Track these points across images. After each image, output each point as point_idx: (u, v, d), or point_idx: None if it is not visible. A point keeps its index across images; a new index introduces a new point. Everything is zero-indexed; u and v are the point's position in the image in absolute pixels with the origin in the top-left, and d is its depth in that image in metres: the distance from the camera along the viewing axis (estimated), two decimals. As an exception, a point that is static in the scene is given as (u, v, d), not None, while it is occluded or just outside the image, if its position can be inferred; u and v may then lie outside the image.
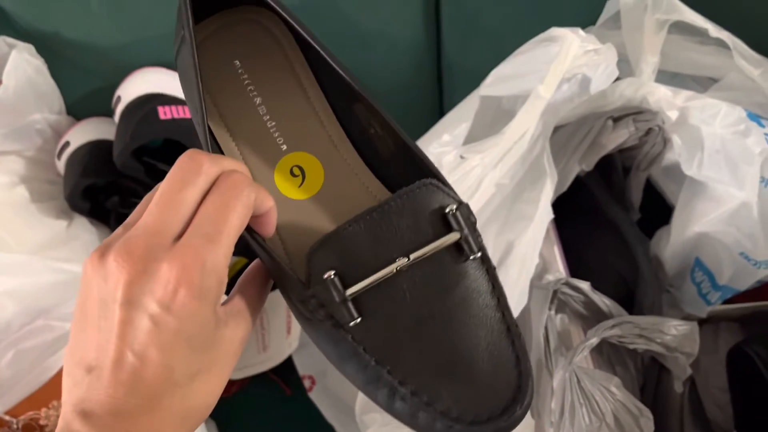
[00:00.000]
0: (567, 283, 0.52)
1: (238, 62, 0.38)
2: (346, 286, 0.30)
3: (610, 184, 0.62)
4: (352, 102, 0.37)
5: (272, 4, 0.35)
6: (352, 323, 0.30)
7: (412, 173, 0.33)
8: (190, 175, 0.28)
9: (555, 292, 0.52)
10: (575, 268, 0.58)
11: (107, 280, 0.27)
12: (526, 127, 0.45)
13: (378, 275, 0.30)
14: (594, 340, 0.48)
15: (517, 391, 0.29)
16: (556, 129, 0.55)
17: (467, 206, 0.32)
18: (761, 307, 0.62)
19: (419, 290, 0.30)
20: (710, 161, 0.51)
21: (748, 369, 0.58)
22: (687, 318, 0.60)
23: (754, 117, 0.51)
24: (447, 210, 0.31)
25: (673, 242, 0.57)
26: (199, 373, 0.28)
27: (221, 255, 0.28)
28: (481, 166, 0.47)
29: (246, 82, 0.38)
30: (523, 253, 0.51)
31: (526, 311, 0.53)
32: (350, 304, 0.30)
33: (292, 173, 0.37)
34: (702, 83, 0.57)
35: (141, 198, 0.64)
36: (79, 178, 0.63)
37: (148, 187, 0.63)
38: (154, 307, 0.27)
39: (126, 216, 0.66)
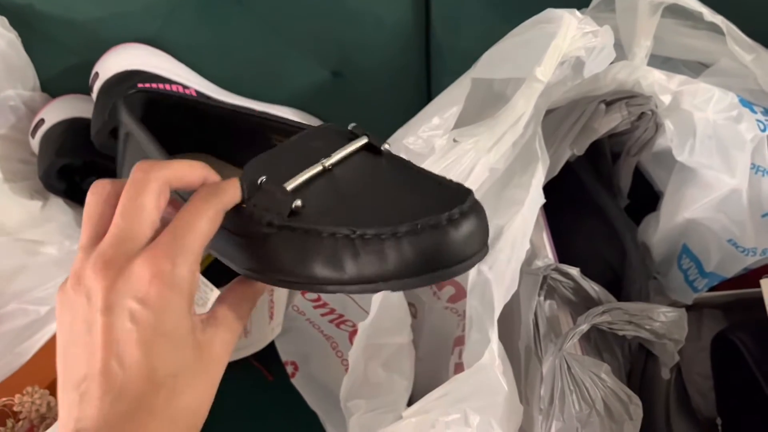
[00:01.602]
0: (556, 269, 0.52)
1: None
2: (281, 184, 0.33)
3: (597, 169, 0.62)
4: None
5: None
6: (293, 206, 0.32)
7: None
8: (141, 183, 0.30)
9: (545, 278, 0.51)
10: (563, 254, 0.58)
11: (89, 296, 0.29)
12: (522, 111, 0.45)
13: (308, 171, 0.34)
14: (584, 327, 0.48)
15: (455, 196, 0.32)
16: (547, 113, 0.54)
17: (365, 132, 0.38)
18: (745, 295, 0.62)
19: (349, 178, 0.34)
20: (702, 147, 0.50)
21: (732, 356, 0.59)
22: (673, 305, 0.60)
23: (746, 103, 0.51)
24: (349, 127, 0.38)
25: (662, 229, 0.57)
26: (182, 373, 0.29)
27: (191, 252, 0.30)
28: (474, 150, 0.46)
29: None
30: (513, 238, 0.50)
31: (514, 297, 0.53)
32: (289, 194, 0.33)
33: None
34: (693, 68, 0.56)
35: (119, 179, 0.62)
36: (55, 157, 0.60)
37: (127, 167, 0.61)
38: (132, 304, 0.28)
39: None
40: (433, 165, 0.48)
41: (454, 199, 0.32)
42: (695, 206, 0.54)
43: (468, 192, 0.33)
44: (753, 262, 0.55)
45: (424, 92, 0.67)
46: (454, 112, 0.53)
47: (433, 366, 0.60)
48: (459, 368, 0.57)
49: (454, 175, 0.47)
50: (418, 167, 0.36)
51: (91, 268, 0.29)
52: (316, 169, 0.34)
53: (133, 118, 0.42)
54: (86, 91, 0.63)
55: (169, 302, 0.29)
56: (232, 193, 0.32)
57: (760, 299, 0.55)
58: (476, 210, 0.32)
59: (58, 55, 0.64)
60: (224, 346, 0.32)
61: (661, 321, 0.50)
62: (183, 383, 0.29)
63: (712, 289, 0.61)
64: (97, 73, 0.61)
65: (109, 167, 0.62)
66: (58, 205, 0.62)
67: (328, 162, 0.35)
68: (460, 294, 0.58)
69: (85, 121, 0.62)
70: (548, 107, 0.52)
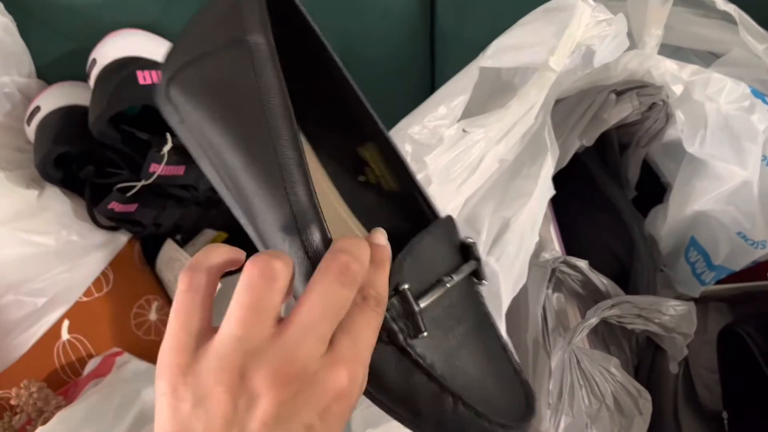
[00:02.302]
0: (565, 262, 0.51)
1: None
2: (416, 299, 0.30)
3: (605, 161, 0.61)
4: (348, 150, 0.37)
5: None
6: (420, 336, 0.30)
7: (413, 214, 0.36)
8: (347, 290, 0.28)
9: (553, 271, 0.50)
10: (569, 247, 0.57)
11: (252, 402, 0.26)
12: (533, 101, 0.43)
13: (439, 291, 0.31)
14: (594, 320, 0.47)
15: (527, 400, 0.33)
16: (556, 103, 0.53)
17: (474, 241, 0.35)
18: (752, 288, 0.62)
19: (454, 311, 0.32)
20: (713, 138, 0.49)
21: (739, 349, 0.58)
22: (679, 298, 0.60)
23: (758, 93, 0.50)
24: (467, 241, 0.34)
25: (670, 221, 0.56)
26: None
27: (367, 367, 0.28)
28: (484, 140, 0.45)
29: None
30: (521, 230, 0.50)
31: (522, 290, 0.52)
32: (420, 315, 0.30)
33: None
34: (704, 58, 0.55)
35: (118, 168, 0.61)
36: (51, 145, 0.59)
37: (125, 156, 0.60)
38: (310, 419, 0.26)
39: (101, 186, 0.63)
40: (441, 155, 0.48)
41: (528, 403, 0.33)
42: (705, 198, 0.53)
43: (533, 397, 0.33)
44: (761, 255, 0.55)
45: (429, 81, 0.66)
46: (462, 101, 0.52)
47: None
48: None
49: (463, 166, 0.46)
50: (497, 329, 0.35)
51: (267, 375, 0.26)
52: (441, 289, 0.32)
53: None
54: (83, 77, 0.62)
55: (346, 417, 0.27)
56: (384, 307, 0.30)
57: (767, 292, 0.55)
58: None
59: (55, 41, 0.63)
60: None
61: (670, 315, 0.49)
62: None
63: (718, 282, 0.60)
64: (94, 60, 0.60)
65: (107, 156, 0.61)
66: (55, 195, 0.61)
67: (451, 282, 0.32)
68: (465, 286, 0.58)
69: (83, 109, 0.61)
70: (557, 97, 0.51)
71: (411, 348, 0.30)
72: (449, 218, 0.35)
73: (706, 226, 0.55)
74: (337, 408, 0.27)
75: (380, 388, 0.31)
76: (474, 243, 0.34)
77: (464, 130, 0.45)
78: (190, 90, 0.31)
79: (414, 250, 0.31)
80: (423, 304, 0.30)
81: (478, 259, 0.34)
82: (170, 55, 0.32)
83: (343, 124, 0.36)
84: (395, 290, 0.30)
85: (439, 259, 0.32)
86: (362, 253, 0.29)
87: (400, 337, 0.30)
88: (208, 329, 0.28)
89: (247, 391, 0.26)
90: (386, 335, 0.30)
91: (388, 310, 0.29)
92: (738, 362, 0.60)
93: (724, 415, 0.58)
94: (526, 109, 0.44)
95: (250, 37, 0.30)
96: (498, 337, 0.34)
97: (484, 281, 0.35)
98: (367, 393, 0.31)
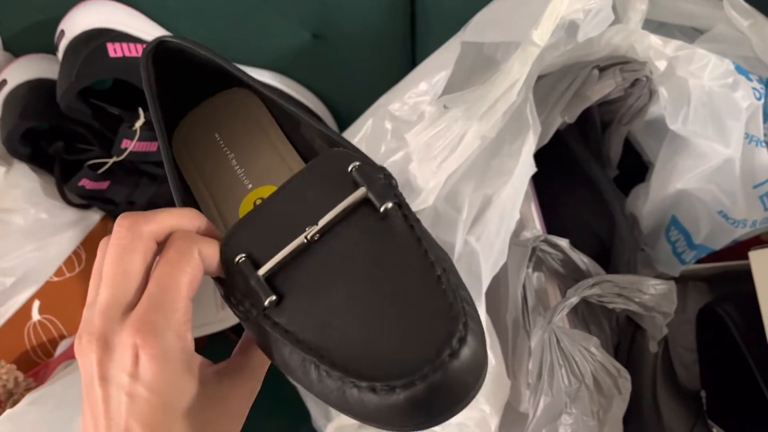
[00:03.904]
0: (546, 240, 0.50)
1: (216, 134, 0.41)
2: (258, 268, 0.29)
3: (586, 139, 0.60)
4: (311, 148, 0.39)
5: (249, 82, 0.37)
6: (266, 302, 0.28)
7: None
8: (126, 242, 0.28)
9: (533, 250, 0.50)
10: (550, 225, 0.56)
11: (84, 360, 0.28)
12: (516, 76, 0.42)
13: (287, 249, 0.29)
14: (574, 299, 0.47)
15: (449, 334, 0.26)
16: (538, 79, 0.52)
17: (380, 166, 0.31)
18: (731, 267, 0.62)
19: (335, 255, 0.29)
20: (696, 115, 0.49)
21: (718, 328, 0.58)
22: (659, 277, 0.60)
23: (741, 70, 0.49)
24: (349, 168, 0.30)
25: (651, 199, 0.55)
26: None
27: (175, 316, 0.28)
28: (465, 117, 0.44)
29: (221, 144, 0.41)
30: (502, 208, 0.49)
31: (502, 269, 0.51)
32: (263, 285, 0.28)
33: (255, 204, 0.37)
34: (688, 34, 0.54)
35: (88, 144, 0.59)
36: (18, 120, 0.57)
37: (96, 131, 0.58)
38: (124, 379, 0.27)
39: (71, 163, 0.61)
40: (421, 133, 0.46)
41: (449, 333, 0.26)
42: (687, 176, 0.52)
43: (464, 322, 0.27)
44: (741, 234, 0.55)
45: (409, 56, 0.64)
46: (443, 77, 0.51)
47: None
48: (443, 341, 0.56)
49: (444, 143, 0.45)
50: (420, 243, 0.29)
51: (84, 334, 0.28)
52: (296, 243, 0.29)
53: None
54: (51, 50, 0.60)
55: (161, 375, 0.27)
56: (211, 248, 0.29)
57: (747, 271, 0.54)
58: (472, 344, 0.26)
59: (21, 12, 0.61)
60: (244, 401, 0.30)
61: (651, 294, 0.49)
62: None
63: (697, 262, 0.60)
64: (62, 31, 0.58)
65: (77, 132, 0.60)
66: (22, 171, 0.59)
67: (312, 232, 0.29)
68: (445, 266, 0.57)
69: (51, 82, 0.59)
70: (539, 73, 0.50)
71: (268, 319, 0.28)
72: (328, 153, 0.31)
73: (687, 205, 0.55)
74: (143, 362, 0.27)
75: (277, 364, 0.30)
76: (360, 166, 0.30)
77: (445, 107, 0.44)
78: None
79: (257, 212, 0.30)
80: (263, 270, 0.29)
81: (368, 183, 0.29)
82: None
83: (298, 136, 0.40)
84: (235, 264, 0.29)
85: (302, 208, 0.30)
86: (132, 220, 0.29)
87: (253, 313, 0.29)
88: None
89: (82, 354, 0.28)
90: (243, 313, 0.29)
91: (231, 286, 0.29)
92: (717, 341, 0.60)
93: (702, 393, 0.58)
94: (509, 84, 0.43)
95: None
96: (427, 266, 0.28)
97: (387, 205, 0.29)
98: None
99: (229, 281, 0.29)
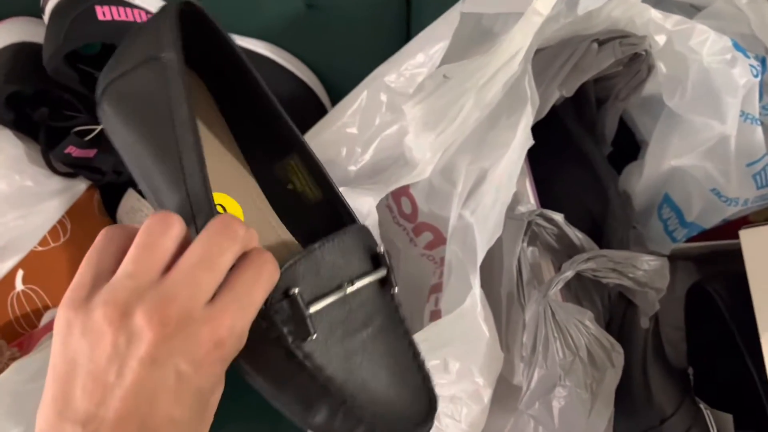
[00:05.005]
0: (541, 215, 0.50)
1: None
2: (307, 304, 0.32)
3: (580, 115, 0.60)
4: (277, 160, 0.41)
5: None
6: (308, 338, 0.32)
7: (332, 220, 0.38)
8: (228, 242, 0.29)
9: (529, 224, 0.50)
10: (543, 201, 0.56)
11: (131, 338, 0.27)
12: (518, 47, 0.42)
13: (335, 296, 0.33)
14: (569, 273, 0.47)
15: (428, 411, 0.35)
16: (536, 53, 0.51)
17: (387, 250, 0.37)
18: (721, 246, 0.62)
19: (355, 315, 0.34)
20: (693, 91, 0.49)
21: (707, 307, 0.59)
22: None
23: (739, 47, 0.49)
24: (377, 250, 0.36)
25: (645, 177, 0.55)
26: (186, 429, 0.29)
27: (248, 324, 0.30)
28: (465, 87, 0.43)
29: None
30: (498, 181, 0.48)
31: (496, 243, 0.51)
32: (309, 320, 0.32)
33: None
34: (685, 11, 0.54)
35: (75, 110, 0.58)
36: (2, 84, 0.55)
37: (83, 98, 0.57)
38: (183, 365, 0.27)
39: (58, 129, 0.59)
40: (419, 104, 0.46)
41: (428, 414, 0.35)
42: (681, 154, 0.52)
43: (433, 413, 0.35)
44: (733, 212, 0.55)
45: (404, 27, 0.64)
46: (441, 48, 0.50)
47: (406, 314, 0.59)
48: (435, 316, 0.56)
49: (441, 115, 0.45)
50: (407, 323, 0.37)
51: (146, 313, 0.27)
52: (338, 294, 0.34)
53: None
54: (37, 13, 0.58)
55: (219, 371, 0.29)
56: (275, 274, 0.32)
57: (736, 250, 0.55)
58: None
59: (5, -27, 0.59)
60: (216, 405, 0.31)
61: (644, 269, 0.49)
62: None
63: (687, 241, 0.60)
64: (49, -7, 0.56)
65: (63, 97, 0.58)
66: (6, 137, 0.57)
67: (350, 289, 0.34)
68: (438, 240, 0.57)
69: (37, 46, 0.57)
70: (538, 46, 0.50)
71: (299, 350, 0.32)
72: (362, 227, 0.37)
73: (680, 183, 0.55)
74: (210, 358, 0.28)
75: (267, 382, 0.33)
76: (385, 252, 0.36)
77: (445, 76, 0.44)
78: (115, 101, 0.36)
79: (312, 256, 0.34)
80: (314, 308, 0.32)
81: (389, 268, 0.36)
82: (105, 71, 0.37)
83: (269, 139, 0.40)
84: (285, 294, 0.32)
85: (341, 265, 0.34)
86: (243, 223, 0.31)
87: (289, 339, 0.32)
88: (113, 272, 0.29)
89: (128, 328, 0.27)
90: (275, 336, 0.32)
91: (277, 313, 0.32)
92: (705, 319, 0.61)
93: (690, 371, 0.59)
94: (510, 55, 0.43)
95: (164, 54, 0.34)
96: (410, 343, 0.36)
97: (394, 289, 0.37)
98: (253, 383, 0.33)
99: (275, 307, 0.32)
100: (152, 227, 0.29)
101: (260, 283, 0.30)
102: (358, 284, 0.34)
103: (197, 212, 0.32)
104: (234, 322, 0.28)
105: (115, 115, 0.36)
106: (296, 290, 0.32)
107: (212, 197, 0.33)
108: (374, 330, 0.35)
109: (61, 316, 0.29)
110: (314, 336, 0.32)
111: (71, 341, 0.28)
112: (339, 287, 0.34)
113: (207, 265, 0.29)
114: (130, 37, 0.37)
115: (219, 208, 0.39)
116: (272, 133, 0.39)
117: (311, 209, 0.41)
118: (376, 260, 0.36)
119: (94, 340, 0.27)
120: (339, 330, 0.33)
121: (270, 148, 0.41)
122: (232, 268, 0.30)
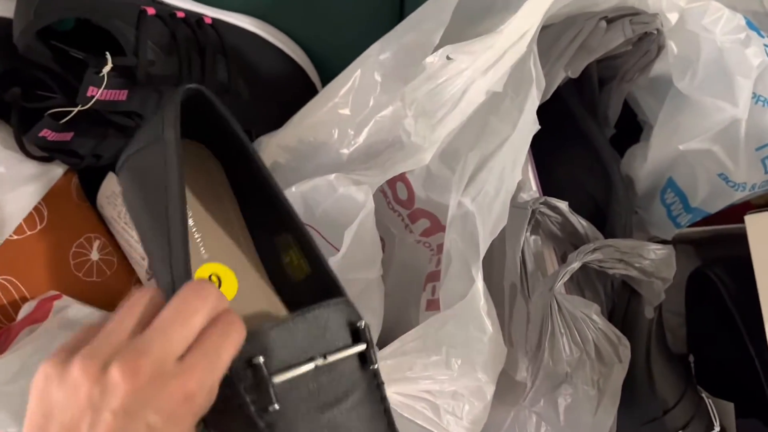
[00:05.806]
0: (545, 203, 0.48)
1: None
2: (271, 374, 0.33)
3: (582, 96, 0.57)
4: (276, 234, 0.42)
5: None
6: (270, 408, 0.32)
7: (322, 294, 0.37)
8: (199, 302, 0.31)
9: (533, 212, 0.47)
10: (544, 185, 0.54)
11: (105, 390, 0.28)
12: (527, 27, 0.39)
13: (302, 369, 0.33)
14: (576, 265, 0.45)
15: None
16: (541, 31, 0.49)
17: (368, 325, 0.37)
18: (723, 231, 0.61)
19: (328, 390, 0.34)
20: (705, 72, 0.47)
21: (708, 292, 0.58)
22: (651, 240, 0.58)
23: (753, 26, 0.47)
24: (358, 324, 0.36)
25: (651, 160, 0.54)
26: None
27: (218, 380, 0.31)
28: (470, 69, 0.40)
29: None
30: (501, 168, 0.46)
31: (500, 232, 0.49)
32: (272, 389, 0.32)
33: (209, 279, 0.40)
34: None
35: (49, 90, 0.54)
36: (-30, 63, 0.52)
37: (58, 77, 0.53)
38: (154, 418, 0.28)
39: (31, 111, 0.56)
40: (422, 86, 0.43)
41: None
42: (689, 136, 0.50)
43: None
44: (740, 197, 0.53)
45: (397, 9, 0.61)
46: (440, 25, 0.47)
47: (400, 302, 0.57)
48: (432, 305, 0.54)
49: (446, 98, 0.42)
50: (387, 400, 0.37)
51: (121, 366, 0.28)
52: (308, 367, 0.34)
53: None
54: (5, -14, 0.54)
55: (189, 425, 0.30)
56: (242, 334, 0.32)
57: (737, 235, 0.53)
58: None
59: (-30, -59, 0.54)
60: None
61: (651, 259, 0.48)
62: None
63: (690, 226, 0.59)
64: (18, -35, 0.52)
65: (36, 77, 0.54)
66: (-24, 120, 0.54)
67: (322, 363, 0.34)
68: (435, 227, 0.54)
69: (6, 21, 0.53)
70: (543, 24, 0.47)
71: (261, 419, 0.32)
72: (345, 300, 0.37)
73: (686, 167, 0.53)
74: (180, 411, 0.29)
75: None
76: (365, 327, 0.36)
77: (448, 57, 0.41)
78: (129, 176, 0.39)
79: (285, 326, 0.34)
80: (279, 378, 0.32)
81: (368, 343, 0.36)
82: (126, 148, 0.40)
83: (268, 216, 0.41)
84: (248, 362, 0.32)
85: (317, 338, 0.34)
86: (216, 288, 0.33)
87: (251, 408, 0.32)
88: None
89: (103, 381, 0.28)
90: (238, 404, 0.32)
91: (240, 380, 0.32)
92: (706, 305, 0.60)
93: (691, 358, 0.58)
94: (518, 35, 0.40)
95: (165, 134, 0.36)
96: (389, 424, 0.37)
97: (374, 365, 0.36)
98: None
99: (238, 373, 0.32)
100: (136, 294, 0.33)
101: (228, 341, 0.31)
102: (332, 358, 0.34)
103: (178, 288, 0.34)
104: (203, 376, 0.30)
105: (130, 190, 0.39)
106: (261, 359, 0.32)
107: (191, 272, 0.35)
108: (349, 406, 0.35)
109: (41, 371, 0.30)
110: (276, 406, 0.32)
111: (48, 393, 0.29)
112: (310, 359, 0.34)
113: (179, 323, 0.30)
114: (151, 116, 0.41)
115: (213, 278, 0.40)
116: (271, 211, 0.41)
117: (302, 282, 0.42)
118: (356, 335, 0.36)
119: (70, 392, 0.29)
120: (308, 403, 0.34)
121: (269, 223, 0.42)
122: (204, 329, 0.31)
